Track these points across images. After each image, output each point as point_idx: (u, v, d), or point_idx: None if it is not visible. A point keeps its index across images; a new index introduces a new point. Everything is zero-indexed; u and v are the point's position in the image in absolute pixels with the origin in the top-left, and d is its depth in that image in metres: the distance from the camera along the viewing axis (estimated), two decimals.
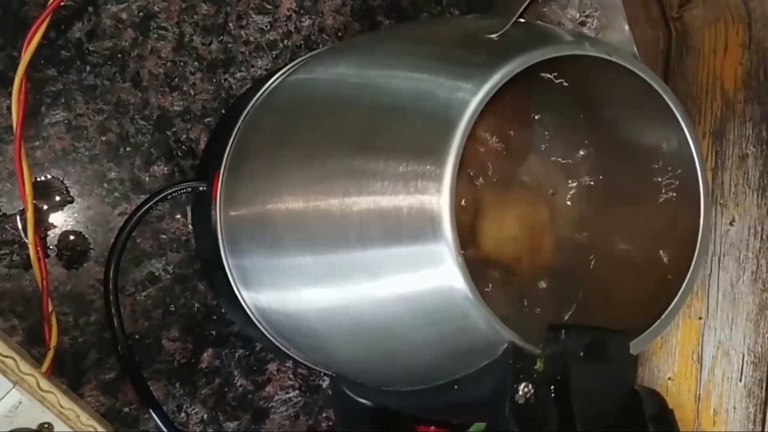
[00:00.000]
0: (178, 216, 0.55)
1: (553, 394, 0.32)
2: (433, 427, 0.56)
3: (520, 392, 0.33)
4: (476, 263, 0.42)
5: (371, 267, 0.35)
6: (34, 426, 0.46)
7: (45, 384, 0.48)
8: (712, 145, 0.57)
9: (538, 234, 0.45)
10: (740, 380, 0.53)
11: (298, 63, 0.50)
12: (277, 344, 0.48)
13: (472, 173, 0.43)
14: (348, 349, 0.41)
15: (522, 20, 0.37)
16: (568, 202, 0.45)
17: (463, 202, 0.43)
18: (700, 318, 0.56)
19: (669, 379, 0.58)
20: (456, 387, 0.36)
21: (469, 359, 0.35)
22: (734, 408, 0.53)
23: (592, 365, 0.32)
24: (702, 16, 0.59)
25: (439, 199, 0.32)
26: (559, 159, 0.45)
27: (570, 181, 0.46)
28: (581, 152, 0.45)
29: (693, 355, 0.57)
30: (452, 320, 0.33)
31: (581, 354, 0.32)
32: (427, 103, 0.34)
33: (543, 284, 0.44)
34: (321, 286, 0.38)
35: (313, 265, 0.38)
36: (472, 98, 0.33)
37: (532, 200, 0.45)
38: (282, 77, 0.49)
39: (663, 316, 0.36)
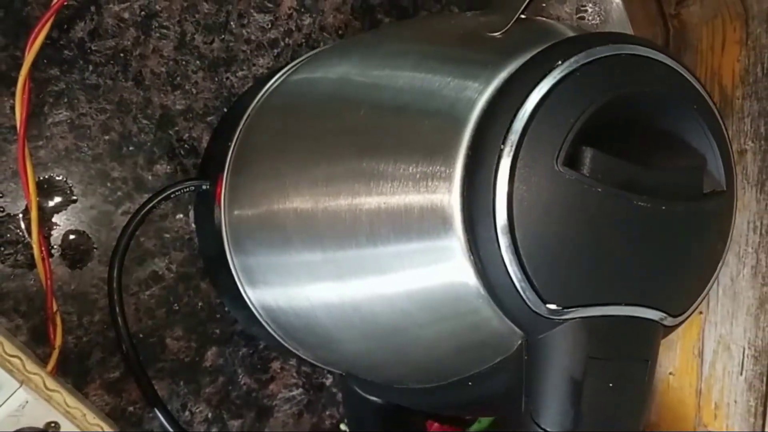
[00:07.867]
0: (181, 215, 0.55)
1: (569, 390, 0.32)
2: (437, 425, 0.56)
3: None
4: None
5: (381, 264, 0.35)
6: (40, 425, 0.47)
7: (51, 383, 0.48)
8: None
9: None
10: (741, 374, 0.53)
11: (299, 62, 0.50)
12: (283, 342, 0.48)
13: None
14: (359, 347, 0.41)
15: (522, 16, 0.37)
16: None
17: None
18: (701, 313, 0.57)
19: (670, 374, 0.59)
20: (470, 384, 0.36)
21: (482, 356, 0.35)
22: (735, 402, 0.54)
23: (609, 359, 0.32)
24: (699, 13, 0.60)
25: (450, 199, 0.32)
26: None
27: None
28: None
29: (694, 349, 0.57)
30: (464, 316, 0.34)
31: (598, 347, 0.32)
32: (433, 103, 0.34)
33: None
34: (330, 284, 0.38)
35: (322, 264, 0.38)
36: (480, 96, 0.33)
37: None
38: (284, 77, 0.49)
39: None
